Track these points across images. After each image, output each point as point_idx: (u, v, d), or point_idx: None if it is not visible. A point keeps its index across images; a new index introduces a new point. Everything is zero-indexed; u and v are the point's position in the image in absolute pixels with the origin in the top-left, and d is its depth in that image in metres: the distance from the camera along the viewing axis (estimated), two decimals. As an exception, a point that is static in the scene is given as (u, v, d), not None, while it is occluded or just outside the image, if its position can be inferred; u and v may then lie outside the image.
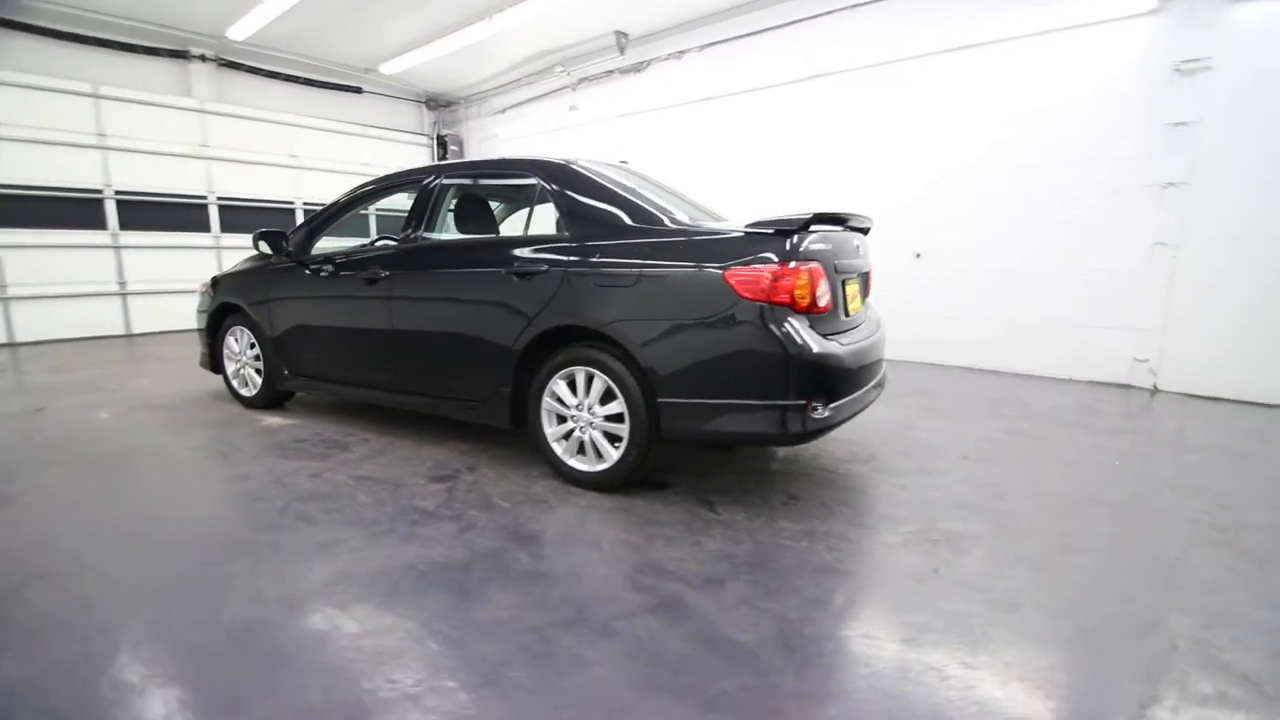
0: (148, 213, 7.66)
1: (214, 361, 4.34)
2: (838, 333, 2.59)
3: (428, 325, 3.13)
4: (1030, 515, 2.53)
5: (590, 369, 2.65)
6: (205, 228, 8.18)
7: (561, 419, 2.79)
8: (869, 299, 3.16)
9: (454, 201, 3.38)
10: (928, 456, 3.23)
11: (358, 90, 9.51)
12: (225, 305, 4.14)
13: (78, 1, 6.71)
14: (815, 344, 2.35)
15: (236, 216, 8.39)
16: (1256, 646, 1.68)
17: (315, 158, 9.04)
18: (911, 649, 1.66)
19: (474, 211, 3.40)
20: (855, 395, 2.57)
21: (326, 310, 3.57)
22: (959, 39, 5.29)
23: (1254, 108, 4.24)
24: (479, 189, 3.45)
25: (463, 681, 1.52)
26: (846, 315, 2.73)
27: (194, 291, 8.20)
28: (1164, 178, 4.57)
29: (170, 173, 7.78)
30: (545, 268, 2.73)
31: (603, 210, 2.74)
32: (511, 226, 3.64)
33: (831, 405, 2.40)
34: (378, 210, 5.71)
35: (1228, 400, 4.46)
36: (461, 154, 10.55)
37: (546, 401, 2.79)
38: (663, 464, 2.94)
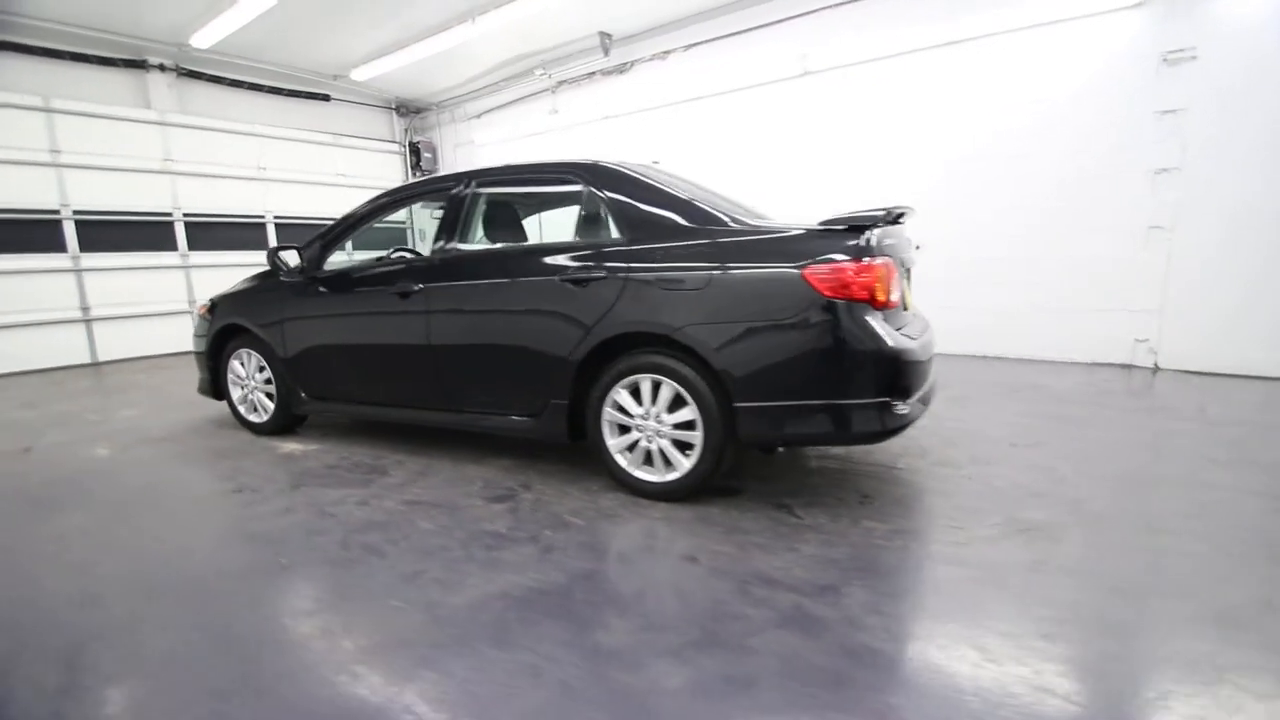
0: (110, 233, 7.20)
1: (216, 388, 4.08)
2: (901, 328, 2.58)
3: (472, 338, 3.00)
4: (1102, 499, 2.56)
5: (657, 376, 2.57)
6: (172, 246, 7.74)
7: (623, 429, 2.70)
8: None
9: (485, 209, 3.25)
10: (975, 445, 3.26)
11: (326, 98, 9.16)
12: (228, 328, 3.91)
13: (24, 9, 6.26)
14: (895, 340, 2.33)
15: (204, 233, 7.98)
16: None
17: (284, 169, 8.67)
18: (1055, 644, 1.64)
19: (505, 218, 3.28)
20: (924, 391, 2.56)
21: (352, 328, 3.39)
22: (953, 33, 5.39)
23: (1238, 95, 4.43)
24: (513, 195, 3.32)
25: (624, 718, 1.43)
26: (905, 310, 2.72)
27: (163, 314, 7.93)
28: (1156, 164, 4.74)
29: (132, 190, 7.34)
30: (603, 274, 2.64)
31: (660, 213, 2.66)
32: (538, 232, 3.53)
33: (909, 401, 2.39)
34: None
35: (1227, 375, 4.65)
36: (435, 161, 10.29)
37: (608, 412, 2.70)
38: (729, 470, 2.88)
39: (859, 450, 3.25)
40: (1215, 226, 4.61)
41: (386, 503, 2.76)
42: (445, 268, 3.07)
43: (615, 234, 2.72)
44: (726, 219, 2.58)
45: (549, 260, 2.80)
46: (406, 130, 10.33)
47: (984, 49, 5.32)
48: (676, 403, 2.56)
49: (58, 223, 6.84)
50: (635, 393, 2.64)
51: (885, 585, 1.98)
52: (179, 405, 4.85)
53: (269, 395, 3.83)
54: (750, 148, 6.73)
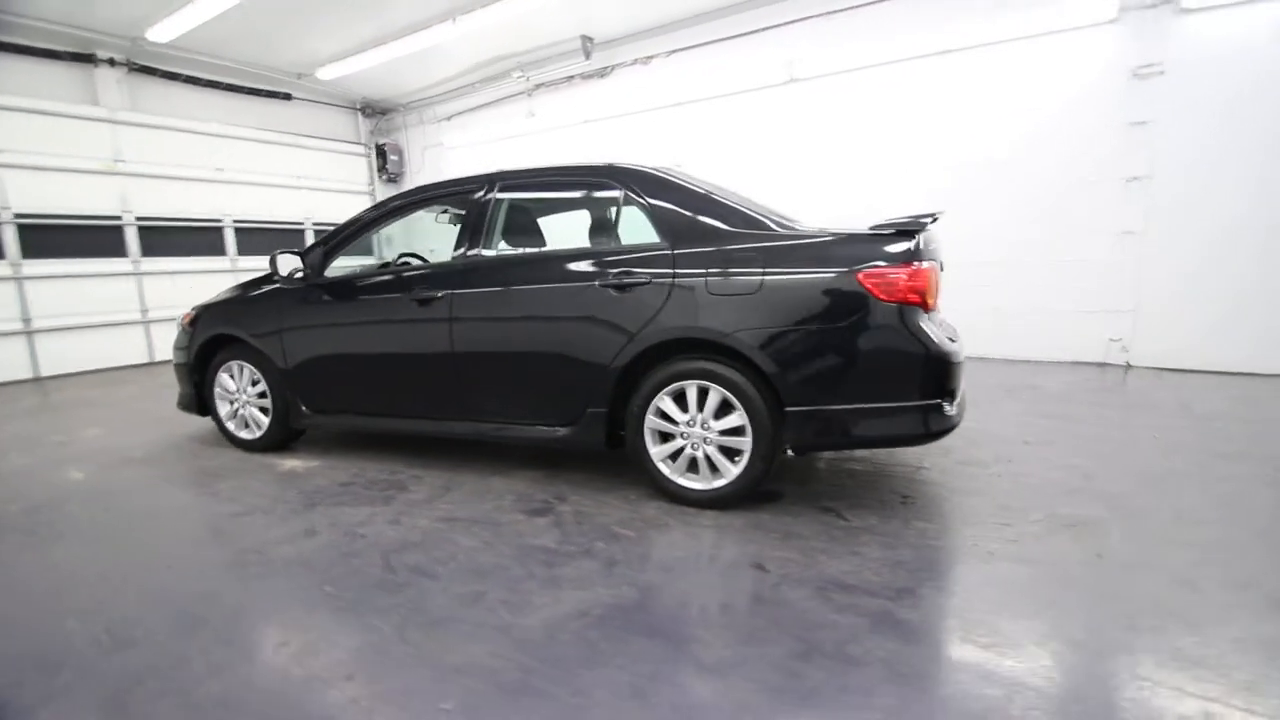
0: (53, 237, 6.67)
1: (201, 403, 3.82)
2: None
3: (501, 346, 2.89)
4: (1131, 494, 2.66)
5: (704, 382, 2.53)
6: (122, 252, 7.24)
7: (666, 437, 2.65)
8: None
9: (510, 213, 3.15)
10: (995, 445, 3.34)
11: (287, 97, 8.77)
12: (214, 339, 3.66)
13: (-44, -5, 5.77)
14: (944, 343, 2.36)
15: (158, 238, 7.50)
16: None
17: (243, 170, 8.23)
18: (1144, 635, 1.68)
19: (529, 224, 3.19)
20: (964, 392, 2.61)
21: (364, 336, 3.22)
22: (939, 44, 5.58)
23: (1202, 109, 4.73)
24: (540, 200, 3.23)
25: (750, 736, 1.38)
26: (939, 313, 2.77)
27: (113, 325, 7.38)
28: (1129, 172, 5.01)
29: (78, 191, 6.83)
30: (646, 279, 2.58)
31: (703, 218, 2.62)
32: (556, 237, 3.44)
33: (955, 403, 2.43)
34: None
35: (1195, 371, 4.94)
36: (402, 164, 9.98)
37: (650, 420, 2.64)
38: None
39: (883, 452, 3.28)
40: (1183, 232, 4.90)
41: (419, 520, 2.63)
42: (472, 273, 2.95)
43: (656, 239, 2.67)
44: (770, 223, 2.57)
45: (587, 265, 2.73)
46: (372, 132, 10.00)
47: (967, 61, 5.52)
48: (723, 409, 2.53)
49: (-5, 227, 6.31)
50: (678, 399, 2.60)
51: (958, 585, 1.99)
52: (148, 422, 4.52)
53: (263, 410, 3.60)
54: (735, 154, 6.77)
